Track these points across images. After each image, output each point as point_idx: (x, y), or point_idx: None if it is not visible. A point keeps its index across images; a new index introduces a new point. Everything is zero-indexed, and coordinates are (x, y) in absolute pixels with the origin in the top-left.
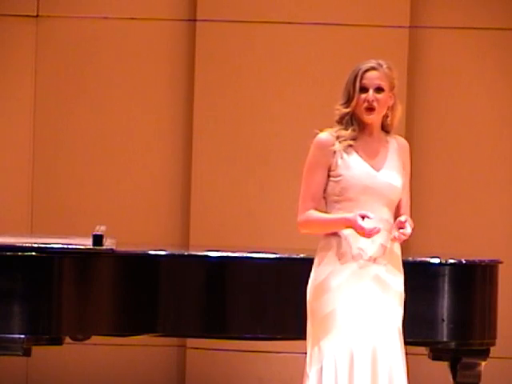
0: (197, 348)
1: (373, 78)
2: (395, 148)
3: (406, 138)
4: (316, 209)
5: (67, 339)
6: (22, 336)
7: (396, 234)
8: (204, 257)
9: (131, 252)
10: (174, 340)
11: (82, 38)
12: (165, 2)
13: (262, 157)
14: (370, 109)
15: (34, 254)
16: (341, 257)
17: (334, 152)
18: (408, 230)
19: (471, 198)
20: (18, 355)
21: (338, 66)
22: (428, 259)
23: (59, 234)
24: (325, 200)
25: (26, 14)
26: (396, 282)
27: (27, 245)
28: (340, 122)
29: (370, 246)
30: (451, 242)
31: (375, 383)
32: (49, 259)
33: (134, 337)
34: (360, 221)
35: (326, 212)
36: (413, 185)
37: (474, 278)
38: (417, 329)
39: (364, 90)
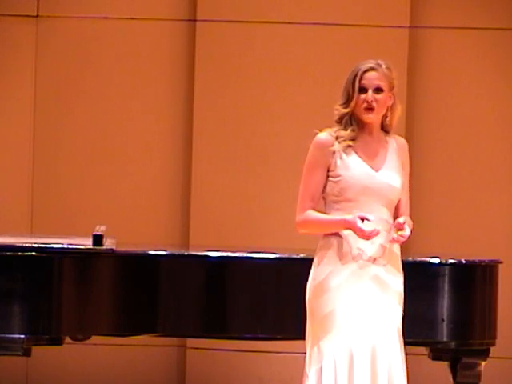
0: (197, 348)
1: (372, 79)
2: (394, 148)
3: (406, 138)
4: (314, 209)
5: (67, 339)
6: (22, 336)
7: (395, 235)
8: (204, 257)
9: (131, 252)
10: (174, 340)
11: (82, 38)
12: (165, 2)
13: (261, 157)
14: (369, 109)
15: (34, 254)
16: (341, 257)
17: (334, 152)
18: (407, 231)
19: (471, 198)
20: (18, 355)
21: (338, 66)
22: (428, 259)
23: (59, 234)
24: (324, 200)
25: (26, 14)
26: (395, 282)
27: (27, 245)
28: (339, 122)
29: (369, 247)
30: (451, 242)
31: (375, 383)
32: (49, 259)
33: (134, 337)
34: (359, 223)
35: (324, 212)
36: (413, 185)
37: (474, 278)
38: (417, 329)
39: (363, 90)
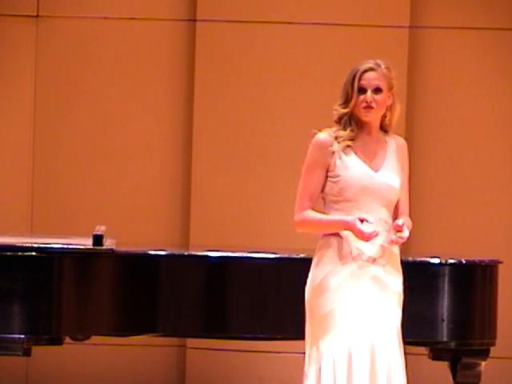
0: (197, 348)
1: (371, 79)
2: (394, 148)
3: (406, 138)
4: (313, 208)
5: (67, 339)
6: (22, 336)
7: (393, 237)
8: (204, 257)
9: (131, 252)
10: (174, 340)
11: (82, 38)
12: (165, 2)
13: (261, 157)
14: (369, 108)
15: (34, 254)
16: (340, 257)
17: (333, 152)
18: (406, 233)
19: (471, 199)
20: (18, 355)
21: (338, 66)
22: (428, 259)
23: (59, 234)
24: (323, 200)
25: (26, 14)
26: (395, 282)
27: (27, 245)
28: (338, 122)
29: (369, 247)
30: (451, 242)
31: (374, 383)
32: (49, 259)
33: (134, 337)
34: (359, 224)
35: (323, 212)
36: (413, 185)
37: (474, 278)
38: (417, 329)
39: (362, 90)
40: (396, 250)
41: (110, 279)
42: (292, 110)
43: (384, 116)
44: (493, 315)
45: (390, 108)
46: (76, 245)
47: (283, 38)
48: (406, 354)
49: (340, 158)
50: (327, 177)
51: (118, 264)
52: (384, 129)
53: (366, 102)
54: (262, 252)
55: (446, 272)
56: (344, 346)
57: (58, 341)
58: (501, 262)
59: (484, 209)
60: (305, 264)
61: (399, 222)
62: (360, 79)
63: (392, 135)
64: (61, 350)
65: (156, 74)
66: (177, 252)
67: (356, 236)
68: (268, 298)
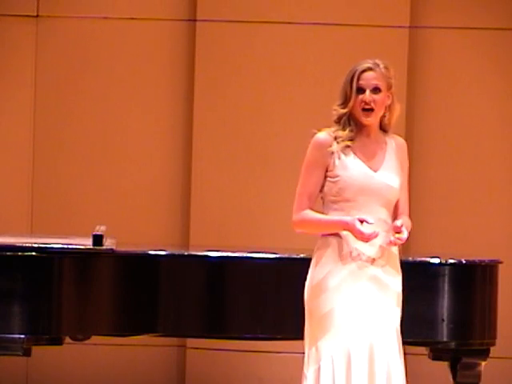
0: (197, 348)
1: (369, 79)
2: (393, 148)
3: (406, 138)
4: (312, 208)
5: (67, 339)
6: (22, 336)
7: (392, 238)
8: (204, 257)
9: (131, 252)
10: (174, 340)
11: (82, 38)
12: (165, 2)
13: (261, 157)
14: (368, 110)
15: (34, 253)
16: (340, 257)
17: (332, 152)
18: (404, 234)
19: (471, 199)
20: (18, 355)
21: (338, 66)
22: (428, 259)
23: (59, 234)
24: (322, 200)
25: (26, 14)
26: (394, 282)
27: (27, 245)
28: (338, 122)
29: (368, 247)
30: (451, 242)
31: (372, 383)
32: (49, 259)
33: (134, 337)
34: (358, 225)
35: (322, 212)
36: (413, 185)
37: (474, 278)
38: (417, 329)
39: (361, 90)
40: (395, 250)
41: (110, 279)
42: (292, 109)
43: (383, 116)
44: (493, 315)
45: (389, 108)
46: (76, 245)
47: (283, 38)
48: (405, 354)
49: (339, 158)
50: (326, 177)
51: (118, 264)
52: (383, 128)
53: (365, 101)
54: (262, 252)
55: (446, 272)
56: (343, 346)
57: (58, 341)
58: (501, 262)
59: (484, 209)
60: (305, 264)
61: (398, 223)
62: (358, 79)
63: (392, 135)
64: (61, 350)
65: (156, 74)
66: (177, 252)
67: (355, 237)
68: (268, 298)
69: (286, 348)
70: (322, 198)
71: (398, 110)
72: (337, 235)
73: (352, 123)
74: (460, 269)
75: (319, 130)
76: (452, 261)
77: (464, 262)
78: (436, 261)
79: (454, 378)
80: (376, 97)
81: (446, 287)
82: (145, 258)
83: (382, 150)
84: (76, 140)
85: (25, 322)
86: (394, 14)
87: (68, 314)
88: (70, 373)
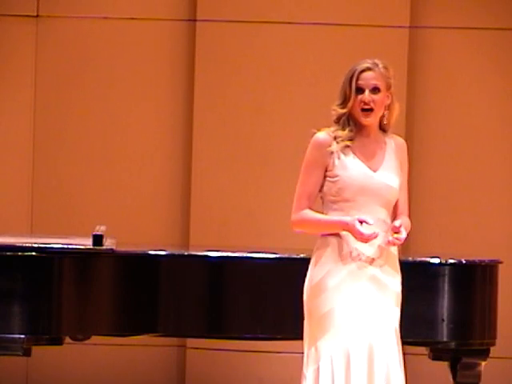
0: (197, 348)
1: (369, 79)
2: (393, 148)
3: (406, 138)
4: (311, 208)
5: (67, 339)
6: (22, 336)
7: (390, 238)
8: (204, 257)
9: (131, 252)
10: (174, 340)
11: (82, 38)
12: (165, 2)
13: (261, 157)
14: (368, 110)
15: (34, 253)
16: (339, 257)
17: (332, 152)
18: (403, 234)
19: (471, 198)
20: (18, 355)
21: (338, 66)
22: (428, 259)
23: (59, 234)
24: (321, 200)
25: (26, 14)
26: (393, 282)
27: (27, 245)
28: (337, 122)
29: (367, 248)
30: (451, 242)
31: (371, 383)
32: (49, 259)
33: (134, 337)
34: (358, 226)
35: (321, 212)
36: (413, 185)
37: (474, 278)
38: (417, 329)
39: (360, 90)
40: (394, 250)
41: (110, 279)
42: (292, 110)
43: (382, 116)
44: (493, 315)
45: (389, 107)
46: (76, 245)
47: (283, 38)
48: (405, 354)
49: (339, 158)
50: (326, 177)
51: (118, 264)
52: (383, 128)
53: (364, 102)
54: (262, 252)
55: (446, 272)
56: (342, 346)
57: (58, 341)
58: (501, 262)
59: (484, 209)
60: (305, 264)
61: (397, 223)
62: (358, 79)
63: (391, 135)
64: (61, 350)
65: (156, 74)
66: (177, 252)
67: (355, 237)
68: (268, 298)
69: (286, 348)
70: (321, 197)
71: (398, 109)
72: (336, 235)
73: (351, 123)
74: (460, 269)
75: (319, 130)
76: (452, 261)
77: (464, 262)
78: (436, 261)
79: (454, 378)
80: (375, 97)
81: (446, 287)
82: (145, 258)
83: (381, 149)
84: (76, 140)
85: (25, 322)
86: (394, 13)
87: (68, 314)
88: (70, 373)
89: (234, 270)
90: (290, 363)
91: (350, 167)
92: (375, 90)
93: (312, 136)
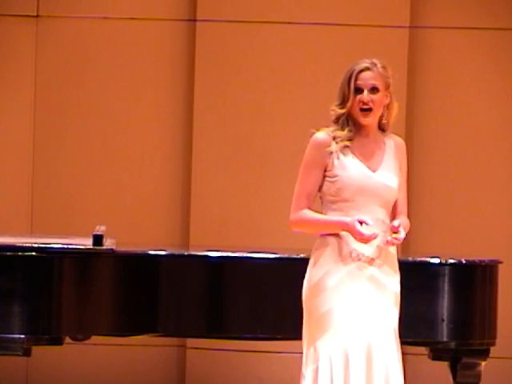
0: (197, 348)
1: (367, 79)
2: (392, 148)
3: (406, 138)
4: (310, 208)
5: (67, 339)
6: (22, 336)
7: (389, 238)
8: (204, 257)
9: (131, 252)
10: (174, 340)
11: (82, 38)
12: (165, 2)
13: (261, 157)
14: (366, 110)
15: (34, 253)
16: (338, 257)
17: (331, 152)
18: (401, 234)
19: (471, 198)
20: (18, 355)
21: (338, 66)
22: (428, 259)
23: (59, 234)
24: (320, 200)
25: (26, 14)
26: (392, 282)
27: (27, 245)
28: (336, 122)
29: (367, 248)
30: (451, 242)
31: (370, 383)
32: (49, 259)
33: (134, 337)
34: (358, 226)
35: (321, 212)
36: (413, 185)
37: (474, 278)
38: (417, 329)
39: (359, 90)
40: (393, 250)
41: (110, 279)
42: (292, 110)
43: (381, 115)
44: (493, 315)
45: (388, 107)
46: (76, 245)
47: (283, 38)
48: (405, 354)
49: (338, 158)
50: (325, 176)
51: (118, 264)
52: (382, 128)
53: (363, 102)
54: (262, 252)
55: (446, 272)
56: (341, 346)
57: (58, 341)
58: (501, 262)
59: (484, 209)
60: (304, 264)
61: (395, 223)
62: (356, 79)
63: (390, 135)
64: (61, 350)
65: (156, 74)
66: (177, 252)
67: (355, 238)
68: (268, 298)
69: (286, 348)
70: (320, 197)
71: (397, 109)
72: (335, 235)
73: (350, 123)
74: (460, 269)
75: (318, 130)
76: (452, 261)
77: (464, 261)
78: (436, 261)
79: (454, 378)
80: (374, 97)
81: (446, 287)
82: (145, 257)
83: (380, 149)
84: (76, 140)
85: (25, 322)
86: (394, 13)
87: (68, 314)
88: (70, 373)
89: (234, 270)
90: (290, 363)
91: (349, 167)
92: (374, 89)
93: (311, 136)
